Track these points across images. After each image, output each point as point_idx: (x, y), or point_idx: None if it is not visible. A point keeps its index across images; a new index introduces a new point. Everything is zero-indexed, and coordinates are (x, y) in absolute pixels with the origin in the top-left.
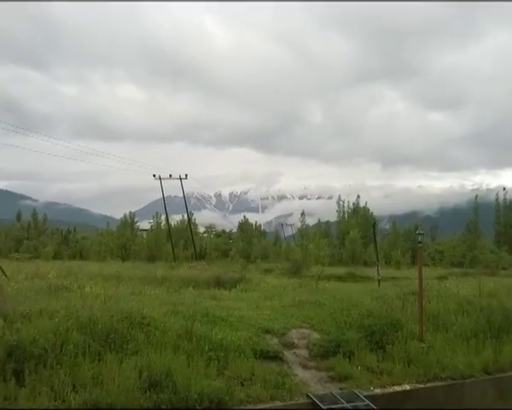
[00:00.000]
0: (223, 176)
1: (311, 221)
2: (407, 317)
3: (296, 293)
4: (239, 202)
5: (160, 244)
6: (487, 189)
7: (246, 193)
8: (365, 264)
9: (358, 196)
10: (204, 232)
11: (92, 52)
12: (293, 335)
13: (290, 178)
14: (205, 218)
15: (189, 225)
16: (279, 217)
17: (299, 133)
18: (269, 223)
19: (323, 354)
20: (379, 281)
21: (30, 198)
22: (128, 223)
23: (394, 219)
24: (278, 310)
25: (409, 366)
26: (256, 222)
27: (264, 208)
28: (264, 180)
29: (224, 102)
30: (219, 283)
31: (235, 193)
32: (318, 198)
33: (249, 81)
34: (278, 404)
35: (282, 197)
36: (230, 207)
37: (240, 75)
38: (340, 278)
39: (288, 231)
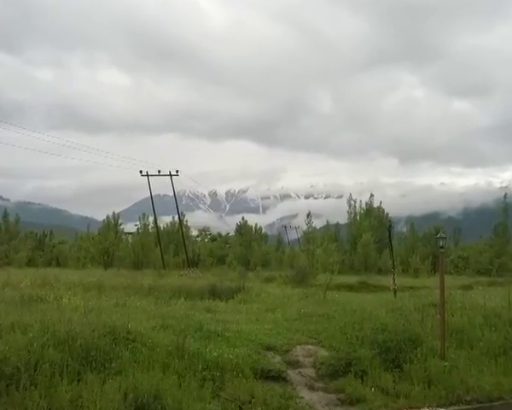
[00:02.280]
0: (218, 172)
1: (318, 223)
2: (427, 332)
3: (301, 304)
4: (237, 202)
5: (147, 249)
6: None
7: (244, 191)
8: (379, 271)
9: (372, 195)
10: (197, 236)
11: (70, 33)
12: (298, 352)
13: (294, 175)
14: (198, 219)
15: (181, 227)
16: (282, 218)
17: (304, 124)
18: (270, 225)
19: (332, 373)
20: (395, 291)
21: (0, 197)
22: (111, 225)
23: (412, 221)
24: (281, 324)
25: (429, 387)
26: (256, 224)
27: (265, 209)
28: (265, 177)
29: (218, 89)
30: (215, 293)
31: (232, 191)
32: (326, 197)
33: (247, 65)
34: None
35: (285, 196)
36: (227, 208)
37: (237, 58)
38: (351, 288)
39: (293, 235)
